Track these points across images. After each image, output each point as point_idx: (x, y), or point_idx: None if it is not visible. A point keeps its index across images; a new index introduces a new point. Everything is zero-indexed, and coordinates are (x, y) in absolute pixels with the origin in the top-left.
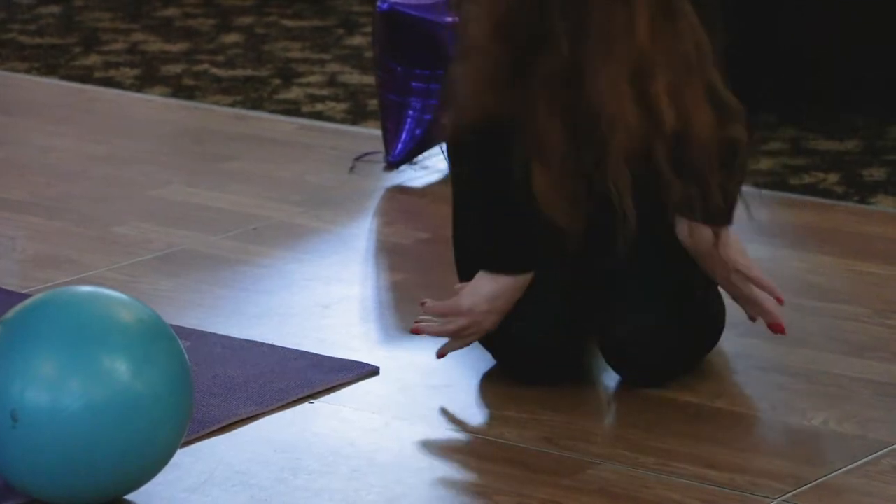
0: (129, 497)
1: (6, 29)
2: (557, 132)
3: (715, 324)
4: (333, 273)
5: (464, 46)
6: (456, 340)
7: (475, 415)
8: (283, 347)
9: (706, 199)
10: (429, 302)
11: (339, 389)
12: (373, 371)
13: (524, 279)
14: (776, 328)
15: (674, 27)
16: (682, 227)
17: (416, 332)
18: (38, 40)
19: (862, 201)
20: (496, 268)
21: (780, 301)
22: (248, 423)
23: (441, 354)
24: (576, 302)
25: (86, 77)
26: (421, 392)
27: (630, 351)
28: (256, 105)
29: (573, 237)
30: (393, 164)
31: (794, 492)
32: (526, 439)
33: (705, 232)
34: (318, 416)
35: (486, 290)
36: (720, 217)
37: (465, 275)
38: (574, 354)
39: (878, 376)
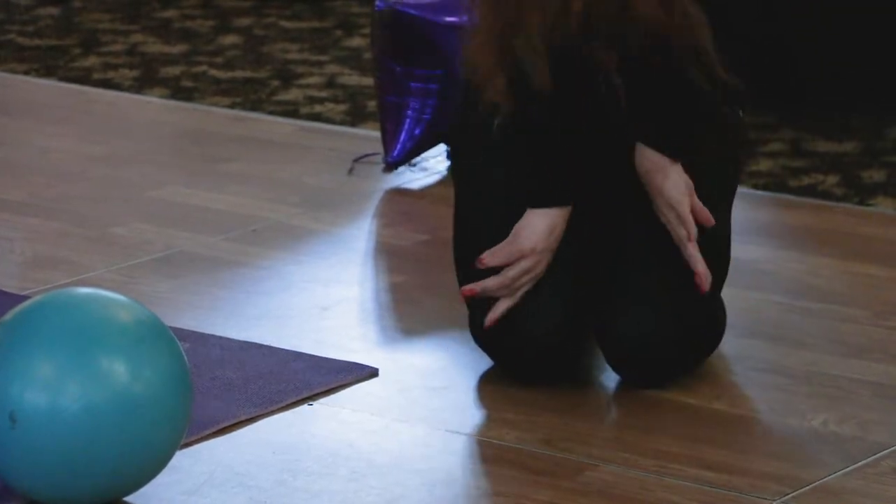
0: (127, 499)
1: (5, 30)
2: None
3: (716, 325)
4: (332, 275)
5: None
6: (507, 298)
7: (474, 416)
8: (281, 349)
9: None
10: (486, 256)
11: (338, 391)
12: (372, 373)
13: (569, 210)
14: (695, 278)
15: None
16: (636, 152)
17: (471, 293)
18: (36, 41)
19: (861, 203)
20: (548, 201)
21: (689, 238)
22: (246, 425)
23: (493, 321)
24: (578, 297)
25: (84, 78)
26: (420, 394)
27: (631, 349)
28: (255, 106)
29: (506, 111)
30: (392, 165)
31: (793, 493)
32: (525, 441)
33: (653, 157)
34: (317, 417)
35: (542, 226)
36: (668, 145)
37: (465, 276)
38: (574, 351)
39: (878, 378)
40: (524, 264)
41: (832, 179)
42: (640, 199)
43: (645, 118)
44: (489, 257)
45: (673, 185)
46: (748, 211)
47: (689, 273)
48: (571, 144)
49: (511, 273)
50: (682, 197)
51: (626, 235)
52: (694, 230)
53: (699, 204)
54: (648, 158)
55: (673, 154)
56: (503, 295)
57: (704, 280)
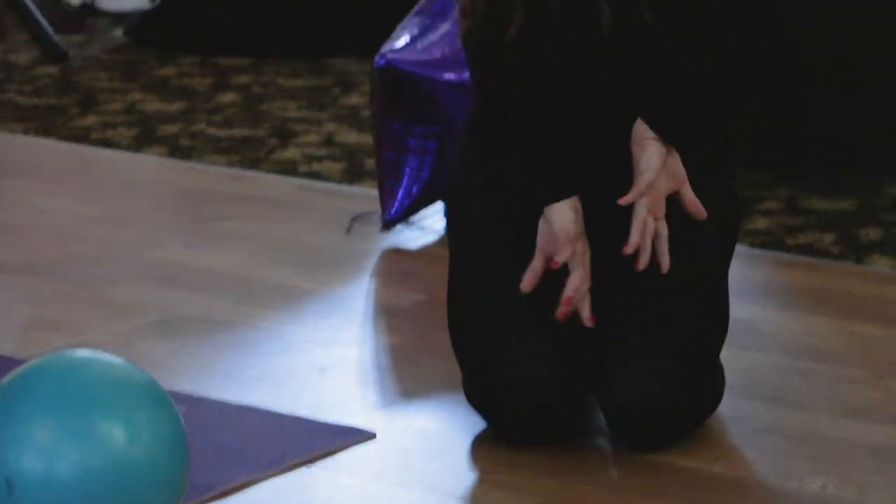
0: None
1: (4, 89)
2: None
3: (714, 387)
4: (331, 335)
5: None
6: (586, 298)
7: (471, 480)
8: (279, 413)
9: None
10: (558, 257)
11: (335, 454)
12: (370, 436)
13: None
14: (624, 247)
15: None
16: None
17: (568, 303)
18: (35, 101)
19: (858, 261)
20: (567, 191)
21: (620, 201)
22: (244, 490)
23: (594, 318)
24: (575, 356)
25: (83, 137)
26: (417, 457)
27: (630, 410)
28: (253, 165)
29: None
30: (389, 223)
31: None
32: None
33: (639, 128)
34: (314, 481)
35: (569, 213)
36: (654, 118)
37: (459, 333)
38: (571, 412)
39: (877, 440)
40: (580, 247)
41: (829, 237)
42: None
43: (641, 90)
44: (560, 256)
45: (647, 159)
46: (745, 270)
47: (689, 332)
48: (573, 124)
49: (579, 259)
50: (647, 171)
51: (624, 291)
52: (634, 194)
53: (691, 196)
54: (636, 129)
55: (658, 128)
56: (587, 287)
57: (631, 248)
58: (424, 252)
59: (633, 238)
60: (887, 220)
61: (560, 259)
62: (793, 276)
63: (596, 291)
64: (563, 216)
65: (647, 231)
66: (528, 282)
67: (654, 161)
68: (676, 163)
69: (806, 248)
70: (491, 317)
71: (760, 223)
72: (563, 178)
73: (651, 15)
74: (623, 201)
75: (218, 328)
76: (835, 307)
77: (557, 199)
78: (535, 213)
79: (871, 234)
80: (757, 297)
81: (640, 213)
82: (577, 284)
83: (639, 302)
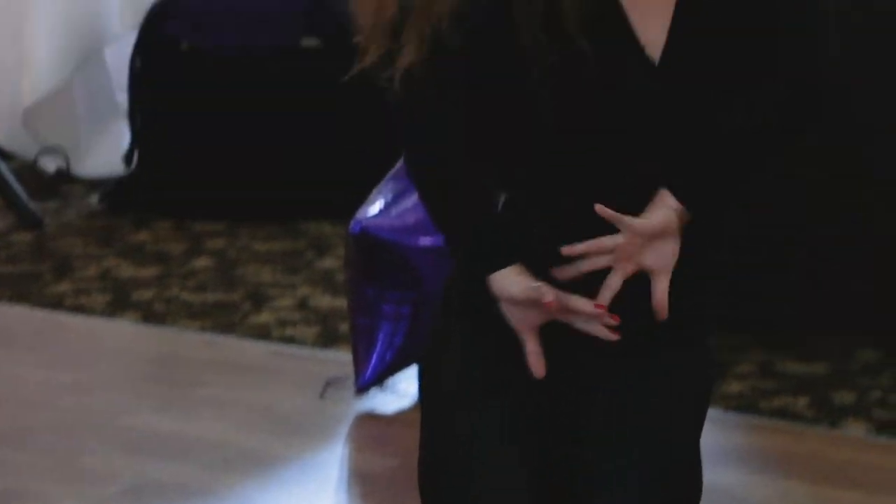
0: None
1: None
2: None
3: None
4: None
5: None
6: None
7: None
8: None
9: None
10: (551, 300)
11: None
12: None
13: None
14: None
15: None
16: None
17: (604, 310)
18: (10, 268)
19: (832, 425)
20: (516, 256)
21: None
22: None
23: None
24: (541, 491)
25: (57, 304)
26: None
27: None
28: (227, 329)
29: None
30: (363, 388)
31: None
32: None
33: (666, 194)
34: None
35: (517, 279)
36: (681, 185)
37: (433, 498)
38: None
39: None
40: (547, 289)
41: (802, 401)
42: (607, 379)
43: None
44: (546, 297)
45: (654, 214)
46: (718, 434)
47: (662, 499)
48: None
49: (565, 295)
50: (645, 220)
51: (590, 429)
52: (617, 236)
53: (663, 287)
54: (662, 191)
55: (678, 192)
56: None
57: (570, 251)
58: (398, 417)
59: (580, 245)
60: (861, 384)
61: (548, 298)
62: (766, 440)
63: (561, 422)
64: (512, 283)
65: (600, 256)
66: (537, 365)
67: (655, 220)
68: (675, 245)
69: (779, 411)
70: (459, 485)
71: (734, 386)
72: (488, 248)
73: (588, 47)
74: (599, 209)
75: (191, 496)
76: (809, 472)
77: (491, 270)
78: (512, 384)
79: (845, 398)
80: (730, 462)
81: (606, 240)
82: (585, 304)
83: (610, 466)
